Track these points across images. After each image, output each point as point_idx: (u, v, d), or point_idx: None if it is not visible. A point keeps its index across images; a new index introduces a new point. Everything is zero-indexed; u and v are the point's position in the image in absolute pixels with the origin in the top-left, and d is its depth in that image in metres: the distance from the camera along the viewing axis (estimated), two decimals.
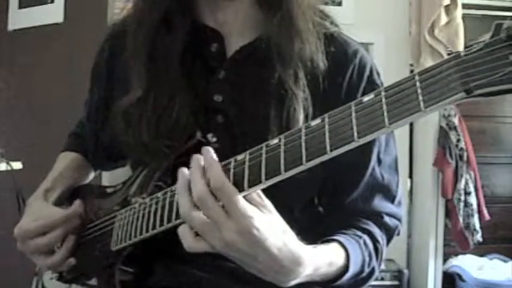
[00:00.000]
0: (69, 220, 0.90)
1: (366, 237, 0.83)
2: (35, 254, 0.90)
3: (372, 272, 0.84)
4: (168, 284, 0.86)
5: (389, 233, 0.89)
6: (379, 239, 0.86)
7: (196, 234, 0.66)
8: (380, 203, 0.87)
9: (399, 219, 0.90)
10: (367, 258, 0.82)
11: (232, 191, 0.63)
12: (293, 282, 0.69)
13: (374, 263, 0.84)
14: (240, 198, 0.63)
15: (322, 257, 0.73)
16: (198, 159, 0.66)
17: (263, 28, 0.84)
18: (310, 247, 0.70)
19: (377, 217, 0.87)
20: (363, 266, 0.81)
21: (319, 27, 0.85)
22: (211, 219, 0.63)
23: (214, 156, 0.66)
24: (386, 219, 0.88)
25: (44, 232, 0.88)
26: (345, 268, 0.77)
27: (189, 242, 0.66)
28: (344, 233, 0.81)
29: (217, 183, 0.63)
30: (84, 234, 0.93)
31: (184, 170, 0.67)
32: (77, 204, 0.92)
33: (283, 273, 0.67)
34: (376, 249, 0.85)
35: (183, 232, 0.67)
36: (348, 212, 0.87)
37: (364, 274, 0.82)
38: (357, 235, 0.83)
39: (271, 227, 0.65)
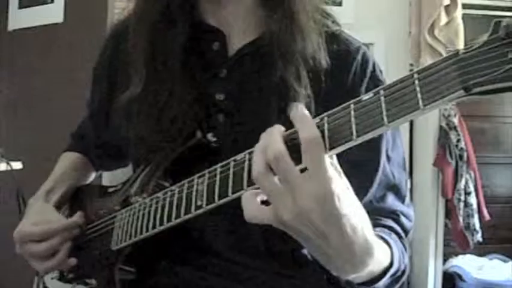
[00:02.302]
0: (68, 230, 0.91)
1: (393, 234, 0.80)
2: (32, 258, 0.90)
3: (405, 269, 0.77)
4: (168, 284, 0.87)
5: (405, 232, 0.85)
6: (403, 235, 0.83)
7: (262, 203, 0.59)
8: (393, 203, 0.85)
9: (411, 221, 0.87)
10: (401, 255, 0.76)
11: (322, 147, 0.55)
12: (353, 275, 0.63)
13: (406, 260, 0.78)
14: (326, 157, 0.55)
15: (381, 252, 0.66)
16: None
17: (265, 26, 0.84)
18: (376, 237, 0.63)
19: (394, 216, 0.84)
20: (399, 263, 0.73)
21: (320, 25, 0.85)
22: (286, 182, 0.56)
23: (306, 112, 0.59)
24: (402, 218, 0.85)
25: (42, 239, 0.88)
26: (388, 266, 0.70)
27: (252, 210, 0.59)
28: (378, 231, 0.75)
29: (311, 135, 0.55)
30: (84, 234, 0.94)
31: (268, 130, 0.59)
32: (78, 215, 0.93)
33: (352, 263, 0.60)
34: (403, 245, 0.80)
35: (247, 199, 0.60)
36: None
37: (399, 273, 0.75)
38: (386, 232, 0.78)
39: (351, 200, 0.58)
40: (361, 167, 0.81)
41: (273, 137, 0.57)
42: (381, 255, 0.66)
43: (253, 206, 0.59)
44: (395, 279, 0.74)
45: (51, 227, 0.89)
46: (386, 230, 0.80)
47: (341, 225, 0.56)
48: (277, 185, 0.56)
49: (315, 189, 0.54)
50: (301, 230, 0.57)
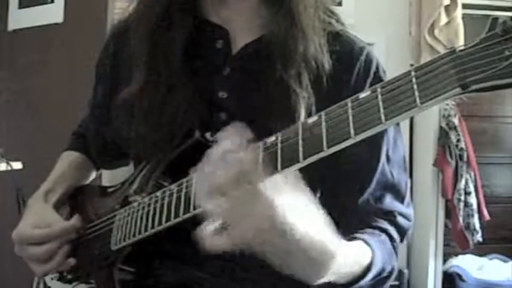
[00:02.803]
0: (66, 234, 0.90)
1: (383, 235, 0.81)
2: (30, 261, 0.90)
3: (392, 271, 0.80)
4: (167, 283, 0.86)
5: (402, 233, 0.86)
6: (395, 237, 0.84)
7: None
8: (391, 203, 0.85)
9: (410, 220, 0.87)
10: (386, 257, 0.78)
11: (262, 172, 0.57)
12: (321, 280, 0.64)
13: (394, 262, 0.80)
14: (267, 180, 0.57)
15: (353, 254, 0.69)
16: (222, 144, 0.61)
17: (267, 26, 0.84)
18: (343, 241, 0.65)
19: (390, 216, 0.84)
20: (384, 265, 0.77)
21: (324, 25, 0.85)
22: (237, 206, 0.57)
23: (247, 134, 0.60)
24: (399, 218, 0.85)
25: (40, 242, 0.89)
26: (368, 267, 0.73)
27: (210, 240, 0.59)
28: (363, 232, 0.78)
29: (250, 163, 0.57)
30: (84, 234, 0.94)
31: (209, 155, 0.60)
32: (76, 218, 0.93)
33: (313, 267, 0.62)
34: (394, 247, 0.82)
35: (202, 232, 0.60)
36: (361, 212, 0.84)
37: (384, 274, 0.78)
38: (375, 234, 0.80)
39: (301, 210, 0.59)
40: (360, 166, 0.82)
41: (220, 160, 0.58)
42: (355, 256, 0.69)
43: (209, 238, 0.59)
44: (381, 280, 0.76)
45: (50, 231, 0.89)
46: (376, 232, 0.80)
47: (294, 236, 0.57)
48: (230, 208, 0.57)
49: (261, 212, 0.56)
50: (265, 249, 0.59)
